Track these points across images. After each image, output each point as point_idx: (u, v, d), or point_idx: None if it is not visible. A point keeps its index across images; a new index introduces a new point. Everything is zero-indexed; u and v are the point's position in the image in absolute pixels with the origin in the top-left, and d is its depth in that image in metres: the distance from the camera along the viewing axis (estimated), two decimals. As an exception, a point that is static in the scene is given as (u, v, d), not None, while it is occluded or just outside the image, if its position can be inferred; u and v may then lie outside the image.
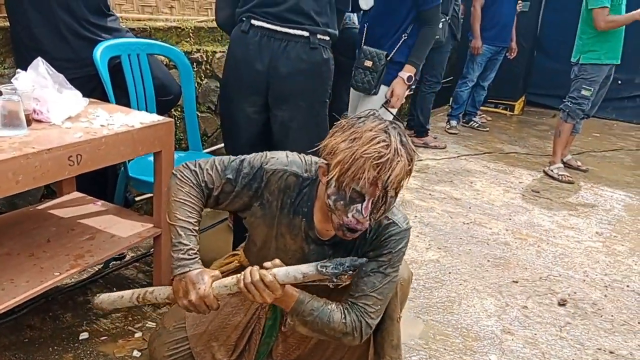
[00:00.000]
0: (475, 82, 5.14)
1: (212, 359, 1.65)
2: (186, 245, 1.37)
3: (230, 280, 1.34)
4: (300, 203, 1.42)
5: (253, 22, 1.88)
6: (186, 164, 1.46)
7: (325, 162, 1.30)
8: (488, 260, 2.74)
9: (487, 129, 5.43)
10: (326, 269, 1.24)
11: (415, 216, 3.18)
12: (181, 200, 1.41)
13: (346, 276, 1.27)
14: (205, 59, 3.03)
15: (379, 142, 1.21)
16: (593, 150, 5.03)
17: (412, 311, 2.20)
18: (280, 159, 1.44)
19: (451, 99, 5.30)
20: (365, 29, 2.74)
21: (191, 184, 1.43)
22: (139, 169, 2.14)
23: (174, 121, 1.85)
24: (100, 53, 1.97)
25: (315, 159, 1.46)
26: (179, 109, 2.81)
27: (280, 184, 1.42)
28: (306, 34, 1.85)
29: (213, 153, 3.10)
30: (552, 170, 4.14)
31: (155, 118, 1.79)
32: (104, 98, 2.02)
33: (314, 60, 1.86)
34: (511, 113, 6.18)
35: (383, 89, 2.71)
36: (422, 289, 2.39)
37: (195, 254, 1.39)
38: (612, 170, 4.50)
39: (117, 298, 1.48)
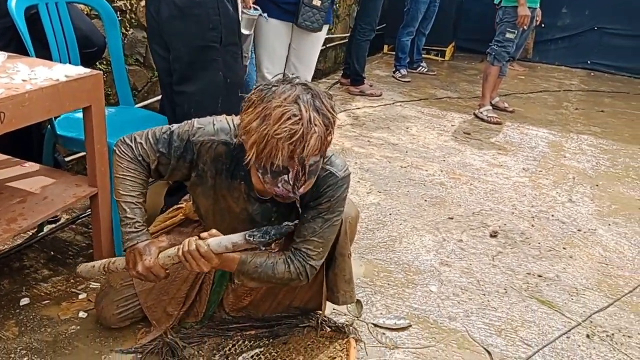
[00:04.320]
0: (417, 30, 5.20)
1: (164, 313, 1.66)
2: (131, 218, 1.44)
3: (173, 250, 1.41)
4: (236, 168, 1.43)
5: None
6: (123, 138, 1.49)
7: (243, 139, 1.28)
8: (425, 200, 2.86)
9: (435, 72, 5.57)
10: (254, 237, 1.28)
11: (356, 162, 3.24)
12: (121, 176, 1.46)
13: (274, 244, 1.32)
14: (129, 8, 2.85)
15: (289, 119, 1.18)
16: (519, 92, 5.26)
17: (356, 252, 2.28)
18: (207, 128, 1.42)
19: (395, 49, 5.33)
20: None
21: (128, 159, 1.46)
22: (68, 126, 2.02)
23: (102, 73, 1.76)
24: (16, 3, 1.81)
25: None
26: (105, 62, 2.66)
27: (210, 154, 1.42)
28: None
29: (145, 107, 2.98)
30: (481, 113, 4.31)
31: (81, 70, 1.69)
32: (20, 52, 1.87)
33: (184, 4, 1.89)
34: (442, 59, 6.31)
35: (325, 27, 2.93)
36: (365, 231, 2.48)
37: (142, 225, 1.45)
38: (536, 110, 4.74)
39: (90, 268, 1.61)
